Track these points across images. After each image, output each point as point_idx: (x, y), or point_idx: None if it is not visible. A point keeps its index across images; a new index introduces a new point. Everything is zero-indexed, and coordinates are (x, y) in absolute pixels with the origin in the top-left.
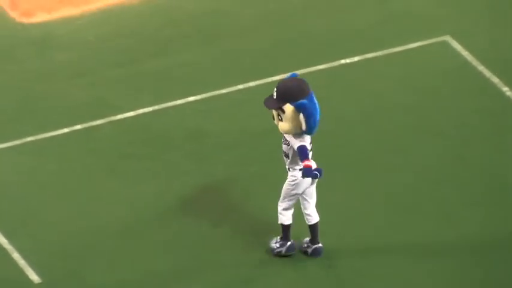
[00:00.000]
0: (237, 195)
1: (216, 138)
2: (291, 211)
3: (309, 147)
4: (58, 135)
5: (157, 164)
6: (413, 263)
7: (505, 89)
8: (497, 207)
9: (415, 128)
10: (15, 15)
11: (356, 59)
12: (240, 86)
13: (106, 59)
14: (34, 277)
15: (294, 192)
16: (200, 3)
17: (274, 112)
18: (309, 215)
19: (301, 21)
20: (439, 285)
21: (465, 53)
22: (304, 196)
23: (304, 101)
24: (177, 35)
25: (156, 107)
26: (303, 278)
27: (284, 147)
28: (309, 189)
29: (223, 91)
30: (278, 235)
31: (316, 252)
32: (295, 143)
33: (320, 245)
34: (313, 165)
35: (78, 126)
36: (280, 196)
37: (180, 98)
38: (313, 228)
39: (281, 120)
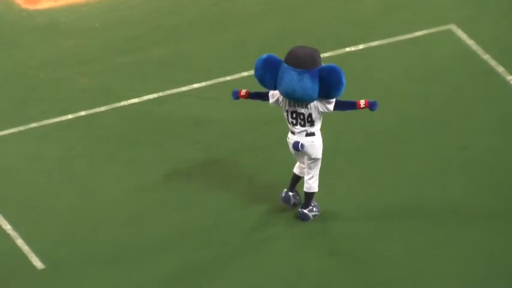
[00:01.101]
0: (242, 182)
1: (221, 126)
2: None
3: None
4: (62, 121)
5: (162, 151)
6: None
7: (510, 77)
8: (503, 197)
9: (420, 117)
10: (20, 1)
11: (361, 47)
12: (245, 73)
13: (111, 46)
14: (38, 263)
15: (320, 153)
16: None
17: None
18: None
19: (306, 9)
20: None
21: (470, 42)
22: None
23: (330, 68)
24: (182, 22)
25: (160, 94)
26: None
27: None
28: None
29: (228, 78)
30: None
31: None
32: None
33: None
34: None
35: (83, 113)
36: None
37: (184, 85)
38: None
39: None
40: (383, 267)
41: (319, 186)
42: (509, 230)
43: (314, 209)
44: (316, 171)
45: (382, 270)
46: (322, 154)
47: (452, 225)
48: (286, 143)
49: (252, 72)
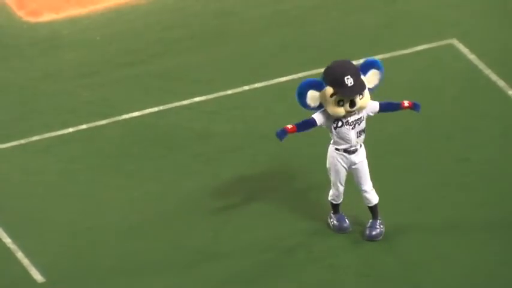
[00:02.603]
0: (244, 196)
1: (222, 139)
2: None
3: None
4: (63, 134)
5: (163, 164)
6: (413, 263)
7: (511, 92)
8: (504, 210)
9: (421, 130)
10: (22, 14)
11: (362, 61)
12: (246, 87)
13: (112, 58)
14: (38, 277)
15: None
16: (207, 4)
17: (355, 99)
18: (373, 189)
19: (308, 22)
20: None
21: (471, 56)
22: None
23: (366, 59)
24: (183, 35)
25: (161, 107)
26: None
27: (361, 126)
28: None
29: (229, 92)
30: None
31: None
32: (376, 106)
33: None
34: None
35: (84, 126)
36: (363, 181)
37: (186, 99)
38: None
39: (362, 97)
40: (382, 281)
41: (319, 198)
42: (509, 243)
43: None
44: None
45: (381, 284)
46: (328, 167)
47: (453, 238)
48: (288, 157)
49: (253, 86)
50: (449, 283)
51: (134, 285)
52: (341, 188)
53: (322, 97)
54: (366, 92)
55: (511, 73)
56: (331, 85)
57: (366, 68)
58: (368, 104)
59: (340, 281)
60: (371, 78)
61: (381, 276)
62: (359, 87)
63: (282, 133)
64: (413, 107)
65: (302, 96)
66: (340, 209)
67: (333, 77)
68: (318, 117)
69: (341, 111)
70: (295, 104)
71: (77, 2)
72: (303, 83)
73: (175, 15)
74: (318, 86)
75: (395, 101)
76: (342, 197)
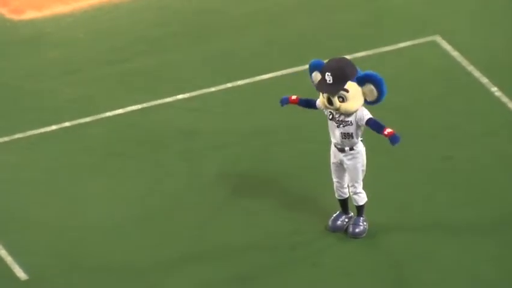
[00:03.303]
0: (228, 194)
1: (206, 137)
2: None
3: None
4: (46, 132)
5: (147, 162)
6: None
7: (494, 89)
8: (487, 209)
9: (404, 128)
10: (4, 12)
11: (365, 72)
12: (229, 85)
13: (95, 56)
14: (21, 274)
15: (364, 166)
16: (190, 2)
17: (333, 98)
18: (361, 192)
19: (291, 20)
20: None
21: (455, 53)
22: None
23: (367, 72)
24: (167, 33)
25: (145, 105)
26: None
27: (346, 129)
28: None
29: (212, 89)
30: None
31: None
32: (364, 118)
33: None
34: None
35: (67, 124)
36: (351, 180)
37: (169, 96)
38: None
39: (343, 101)
40: (366, 280)
41: (303, 197)
42: (492, 242)
43: (365, 223)
44: None
45: (364, 282)
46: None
47: (437, 236)
48: (272, 155)
49: (236, 83)
50: (432, 281)
51: (117, 284)
52: (334, 181)
53: (316, 81)
54: (352, 100)
55: (494, 70)
56: (319, 72)
57: (363, 79)
58: (356, 112)
59: (323, 279)
60: (367, 92)
61: (364, 274)
62: (332, 88)
63: (285, 100)
64: (391, 138)
65: (309, 74)
66: (348, 208)
67: (322, 68)
68: (319, 100)
69: (322, 101)
70: (279, 101)
71: None
72: (312, 62)
73: (158, 13)
74: (320, 69)
75: (382, 124)
76: (343, 194)
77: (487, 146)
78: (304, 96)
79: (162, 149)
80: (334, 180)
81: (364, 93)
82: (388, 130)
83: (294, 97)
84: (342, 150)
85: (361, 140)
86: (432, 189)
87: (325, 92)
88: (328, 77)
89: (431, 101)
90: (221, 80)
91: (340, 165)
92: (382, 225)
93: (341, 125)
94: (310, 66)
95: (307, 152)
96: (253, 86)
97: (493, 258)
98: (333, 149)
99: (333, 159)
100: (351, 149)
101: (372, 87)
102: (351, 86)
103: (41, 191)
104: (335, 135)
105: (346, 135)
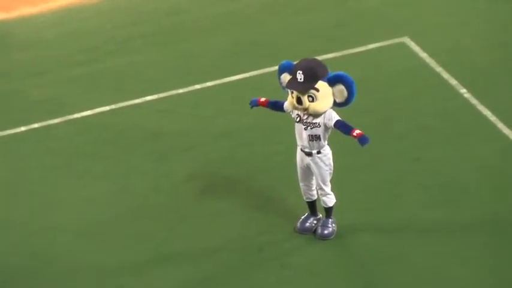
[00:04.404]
0: (196, 196)
1: (174, 138)
2: None
3: None
4: (15, 133)
5: (115, 163)
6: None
7: (463, 90)
8: (456, 210)
9: (373, 129)
10: None
11: (335, 73)
12: (198, 86)
13: (64, 57)
14: None
15: (331, 169)
16: (160, 2)
17: (303, 98)
18: (330, 194)
19: (260, 22)
20: None
21: (423, 55)
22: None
23: (339, 72)
24: (135, 34)
25: (113, 106)
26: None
27: (313, 131)
28: None
29: (181, 91)
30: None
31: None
32: (332, 119)
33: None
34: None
35: (36, 125)
36: (319, 182)
37: (138, 97)
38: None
39: (313, 101)
40: (334, 281)
41: (271, 198)
42: (462, 243)
43: (333, 225)
44: None
45: (333, 283)
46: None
47: (405, 238)
48: (241, 157)
49: (205, 84)
50: (401, 283)
51: (86, 285)
52: (302, 185)
53: (284, 83)
54: (322, 100)
55: (462, 71)
56: (289, 73)
57: (334, 79)
58: (324, 113)
59: (292, 280)
60: (337, 93)
61: (333, 275)
62: (302, 87)
63: (254, 102)
64: (360, 139)
65: (278, 75)
66: (316, 210)
67: (294, 66)
68: (287, 102)
69: (290, 102)
70: (248, 103)
71: (28, 1)
72: (282, 63)
73: (127, 14)
74: (291, 70)
75: (351, 125)
76: (311, 196)
77: (456, 148)
78: (273, 98)
79: (131, 150)
80: (302, 184)
81: (333, 94)
82: (356, 131)
83: (263, 99)
84: (309, 154)
85: (327, 144)
86: (401, 190)
87: (296, 90)
88: (300, 75)
89: (400, 102)
90: (190, 81)
91: (308, 169)
92: (351, 226)
93: (309, 127)
94: (280, 67)
95: (276, 153)
96: (222, 87)
97: (463, 260)
98: (299, 153)
99: (300, 164)
100: (318, 152)
101: (343, 87)
102: (322, 85)
103: (10, 192)
104: (302, 138)
105: (314, 138)
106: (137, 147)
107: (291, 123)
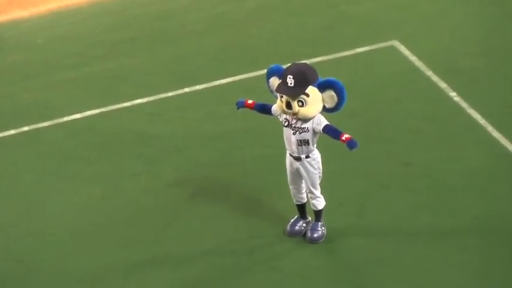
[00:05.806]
0: (186, 199)
1: (164, 141)
2: None
3: None
4: (5, 136)
5: (105, 166)
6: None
7: (453, 94)
8: (446, 214)
9: (363, 133)
10: None
11: (326, 78)
12: (187, 89)
13: (54, 61)
14: None
15: (320, 172)
16: (148, 6)
17: (292, 102)
18: (319, 197)
19: (248, 25)
20: None
21: (413, 58)
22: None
23: (329, 78)
24: (124, 38)
25: (103, 109)
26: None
27: (302, 135)
28: None
29: (170, 94)
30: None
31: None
32: (321, 124)
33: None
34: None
35: (25, 128)
36: (309, 186)
37: (127, 101)
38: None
39: (302, 106)
40: (324, 285)
41: (261, 201)
42: (452, 247)
43: (323, 228)
44: None
45: (322, 286)
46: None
47: (396, 241)
48: (230, 160)
49: (194, 88)
50: (391, 286)
51: None
52: (292, 188)
53: (273, 87)
54: (312, 105)
55: (452, 75)
56: (278, 77)
57: (324, 85)
58: (313, 119)
59: (282, 284)
60: (327, 99)
61: (322, 279)
62: (293, 91)
63: (241, 103)
64: (348, 143)
65: (267, 79)
66: (306, 213)
67: (283, 71)
68: (275, 106)
69: (280, 106)
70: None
71: (18, 4)
72: (271, 67)
73: (116, 18)
74: (280, 74)
75: (339, 130)
76: (301, 199)
77: (446, 151)
78: (261, 101)
79: (121, 153)
80: (292, 187)
81: (323, 100)
82: (345, 136)
83: (250, 101)
84: (297, 158)
85: (316, 147)
86: (391, 194)
87: (286, 95)
88: (290, 80)
89: (390, 105)
90: (179, 85)
91: (297, 172)
92: (340, 230)
93: (297, 132)
94: (269, 71)
95: (265, 156)
96: (211, 90)
97: (454, 263)
98: (288, 157)
99: (289, 167)
100: (307, 156)
101: (333, 93)
102: (312, 90)
103: None
104: (290, 142)
105: (303, 142)
106: (127, 151)
107: (280, 126)
